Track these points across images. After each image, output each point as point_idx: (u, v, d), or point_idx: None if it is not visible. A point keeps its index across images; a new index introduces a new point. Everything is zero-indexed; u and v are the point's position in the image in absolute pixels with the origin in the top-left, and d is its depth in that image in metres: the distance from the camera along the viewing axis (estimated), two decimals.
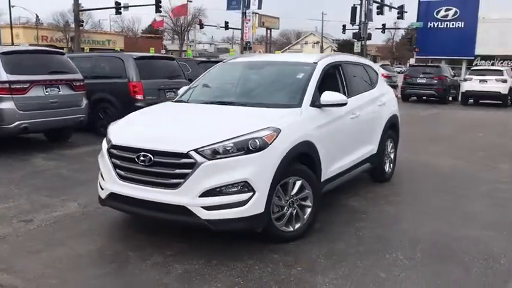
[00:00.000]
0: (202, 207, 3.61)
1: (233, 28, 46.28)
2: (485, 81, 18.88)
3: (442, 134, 11.49)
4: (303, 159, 4.21)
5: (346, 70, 5.48)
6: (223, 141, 3.66)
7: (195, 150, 3.62)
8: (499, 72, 19.64)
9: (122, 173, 3.94)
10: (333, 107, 4.66)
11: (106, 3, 35.60)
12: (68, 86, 8.27)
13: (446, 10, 42.70)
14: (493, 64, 37.96)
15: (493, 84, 18.61)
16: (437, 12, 42.96)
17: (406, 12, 35.97)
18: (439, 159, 8.09)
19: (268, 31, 54.34)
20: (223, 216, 3.63)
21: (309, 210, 4.24)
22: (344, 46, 57.40)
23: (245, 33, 32.12)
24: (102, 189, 4.20)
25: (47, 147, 8.51)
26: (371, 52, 64.70)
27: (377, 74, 6.51)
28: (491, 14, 43.33)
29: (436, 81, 19.84)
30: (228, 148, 3.65)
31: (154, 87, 9.68)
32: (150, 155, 3.73)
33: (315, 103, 4.55)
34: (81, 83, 8.57)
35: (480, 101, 20.27)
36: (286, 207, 4.06)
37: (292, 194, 4.08)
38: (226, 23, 44.46)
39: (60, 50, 10.31)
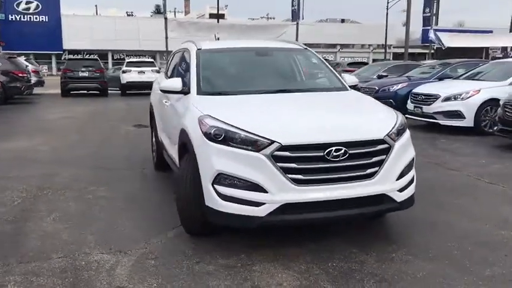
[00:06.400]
0: (397, 190, 3.64)
1: None
2: (143, 72, 20.88)
3: None
4: None
5: None
6: (395, 123, 3.81)
7: (387, 135, 3.62)
8: (152, 63, 22.32)
9: (300, 176, 3.40)
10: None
11: None
12: None
13: (27, 3, 41.41)
14: (83, 57, 40.24)
15: (149, 75, 20.16)
16: (18, 5, 40.97)
17: None
18: None
19: None
20: (408, 195, 3.75)
21: None
22: None
23: None
24: (258, 204, 3.40)
25: None
26: None
27: None
28: (71, 10, 45.29)
29: (98, 74, 20.25)
30: (397, 130, 3.78)
31: None
32: (344, 148, 3.44)
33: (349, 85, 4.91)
34: None
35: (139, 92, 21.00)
36: None
37: None
38: None
39: None
